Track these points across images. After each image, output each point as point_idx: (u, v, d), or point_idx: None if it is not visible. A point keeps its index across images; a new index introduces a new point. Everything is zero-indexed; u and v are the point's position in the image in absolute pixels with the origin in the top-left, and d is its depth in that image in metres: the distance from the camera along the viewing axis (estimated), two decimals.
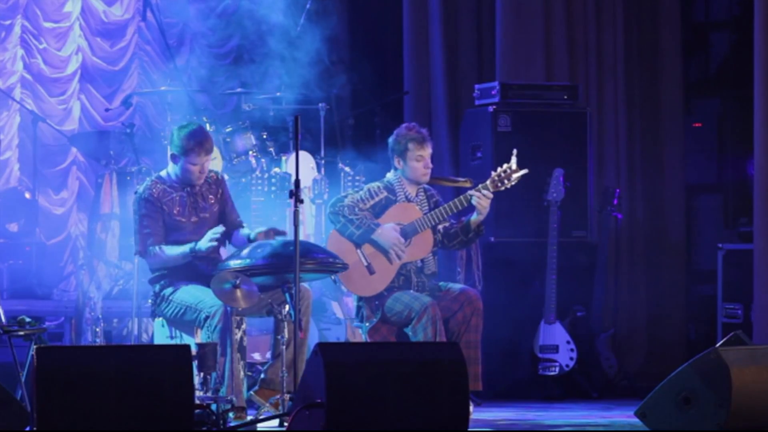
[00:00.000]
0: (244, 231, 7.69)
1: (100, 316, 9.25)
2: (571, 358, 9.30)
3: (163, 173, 7.70)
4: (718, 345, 6.57)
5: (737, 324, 9.26)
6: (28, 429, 6.12)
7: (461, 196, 7.90)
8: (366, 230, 7.86)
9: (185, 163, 7.52)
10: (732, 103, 10.86)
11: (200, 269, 7.46)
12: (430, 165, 8.02)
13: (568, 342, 9.31)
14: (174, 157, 7.55)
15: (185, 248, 7.46)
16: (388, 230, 7.88)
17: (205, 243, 7.41)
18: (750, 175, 9.92)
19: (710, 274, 10.03)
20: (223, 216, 7.74)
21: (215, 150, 8.71)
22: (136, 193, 7.69)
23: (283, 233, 7.59)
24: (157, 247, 7.49)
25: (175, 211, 7.55)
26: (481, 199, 7.83)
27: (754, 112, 9.15)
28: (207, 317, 7.25)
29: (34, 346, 6.80)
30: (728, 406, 6.30)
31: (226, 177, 7.96)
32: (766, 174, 9.07)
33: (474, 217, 7.93)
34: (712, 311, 9.83)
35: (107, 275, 9.54)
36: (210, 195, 7.68)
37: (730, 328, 8.60)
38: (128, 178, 9.42)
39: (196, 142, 7.47)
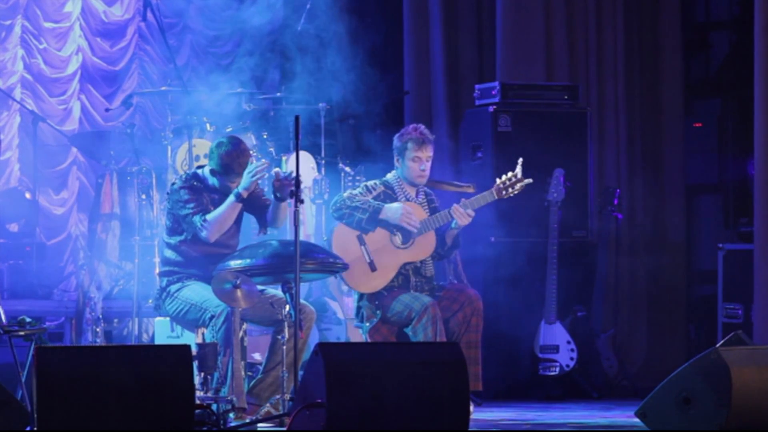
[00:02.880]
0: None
1: (101, 316, 9.25)
2: (572, 358, 9.30)
3: (199, 171, 7.73)
4: (718, 345, 6.57)
5: (737, 324, 9.26)
6: (28, 429, 6.12)
7: (445, 211, 7.90)
8: (373, 212, 7.85)
9: (224, 180, 7.56)
10: (732, 103, 10.86)
11: (211, 271, 7.44)
12: (427, 169, 7.99)
13: (568, 342, 9.32)
14: (213, 172, 7.59)
15: (229, 199, 7.46)
16: (393, 206, 7.87)
17: (246, 180, 7.41)
18: (750, 175, 9.92)
19: (710, 274, 10.03)
20: (258, 209, 7.74)
21: None
22: (173, 185, 7.69)
23: (288, 176, 7.52)
24: (204, 219, 7.47)
25: (210, 209, 7.58)
26: (462, 218, 7.83)
27: (754, 112, 9.15)
28: (212, 317, 7.26)
29: (35, 346, 6.81)
30: (728, 406, 6.30)
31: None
32: (766, 174, 9.07)
33: (449, 228, 7.94)
34: (712, 311, 9.83)
35: (107, 275, 9.54)
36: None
37: (730, 328, 8.60)
38: (128, 178, 9.43)
39: (237, 162, 7.54)
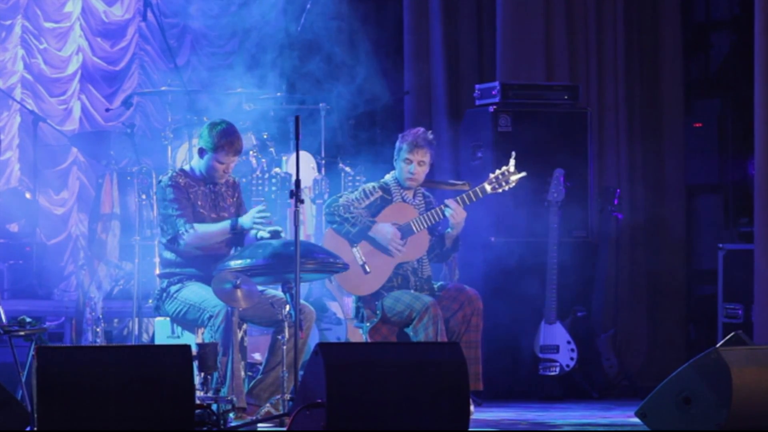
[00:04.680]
0: (252, 232, 7.68)
1: (101, 316, 9.25)
2: (572, 358, 9.30)
3: (186, 167, 7.73)
4: (718, 345, 6.57)
5: (737, 324, 9.25)
6: (28, 429, 6.13)
7: (436, 208, 7.90)
8: (362, 228, 7.86)
9: (212, 160, 7.54)
10: (732, 103, 10.86)
11: (211, 271, 7.43)
12: (417, 173, 7.93)
13: (568, 342, 9.32)
14: (201, 152, 7.58)
15: (224, 224, 7.47)
16: (384, 227, 7.87)
17: (248, 220, 7.43)
18: (750, 175, 9.92)
19: (710, 274, 10.03)
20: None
21: None
22: (159, 182, 7.68)
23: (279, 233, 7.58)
24: (190, 226, 7.46)
25: (198, 203, 7.57)
26: (455, 213, 7.81)
27: (754, 112, 9.15)
28: (210, 317, 7.26)
29: (35, 346, 6.81)
30: (728, 406, 6.31)
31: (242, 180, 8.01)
32: (766, 174, 9.06)
33: (447, 231, 7.94)
34: (712, 311, 9.83)
35: (108, 275, 9.54)
36: (228, 197, 7.71)
37: (730, 328, 8.60)
38: (129, 178, 9.43)
39: (228, 141, 7.51)
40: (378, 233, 7.87)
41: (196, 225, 7.47)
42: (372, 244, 7.89)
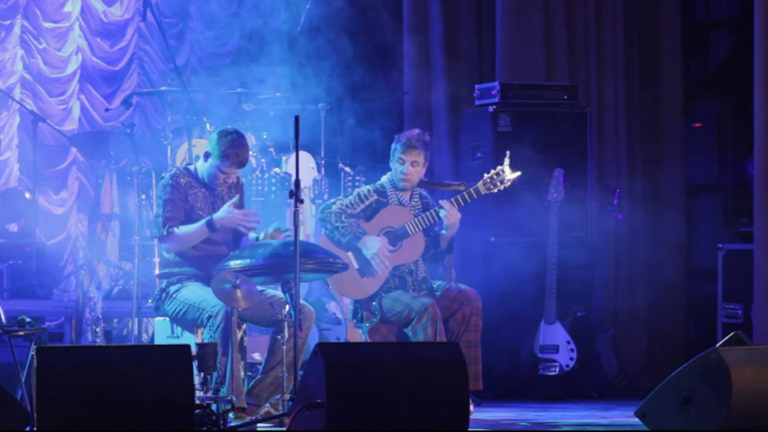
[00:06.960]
0: (252, 234, 7.69)
1: (101, 316, 9.25)
2: (572, 358, 9.30)
3: (190, 167, 7.74)
4: (718, 345, 6.57)
5: (737, 324, 9.26)
6: (28, 429, 6.13)
7: (431, 210, 7.90)
8: (352, 238, 7.85)
9: (215, 168, 7.56)
10: (732, 103, 10.86)
11: (210, 271, 7.44)
12: (410, 174, 7.92)
13: (568, 342, 9.31)
14: (207, 155, 7.59)
15: (200, 222, 7.49)
16: (373, 240, 7.86)
17: (222, 212, 7.44)
18: (750, 175, 9.93)
19: (710, 274, 10.03)
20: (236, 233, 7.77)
21: None
22: (162, 178, 7.71)
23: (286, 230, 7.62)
24: (174, 229, 7.50)
25: (197, 205, 7.59)
26: (449, 215, 7.80)
27: (754, 112, 9.15)
28: (210, 317, 7.26)
29: (34, 346, 6.81)
30: (728, 406, 6.31)
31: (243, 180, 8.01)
32: (766, 174, 9.07)
33: (442, 233, 7.93)
34: (712, 311, 9.83)
35: (107, 275, 9.54)
36: (229, 198, 7.70)
37: (730, 328, 8.60)
38: (128, 178, 9.43)
39: (234, 152, 7.53)
40: (365, 246, 7.86)
41: (174, 228, 7.49)
42: (359, 256, 7.87)
